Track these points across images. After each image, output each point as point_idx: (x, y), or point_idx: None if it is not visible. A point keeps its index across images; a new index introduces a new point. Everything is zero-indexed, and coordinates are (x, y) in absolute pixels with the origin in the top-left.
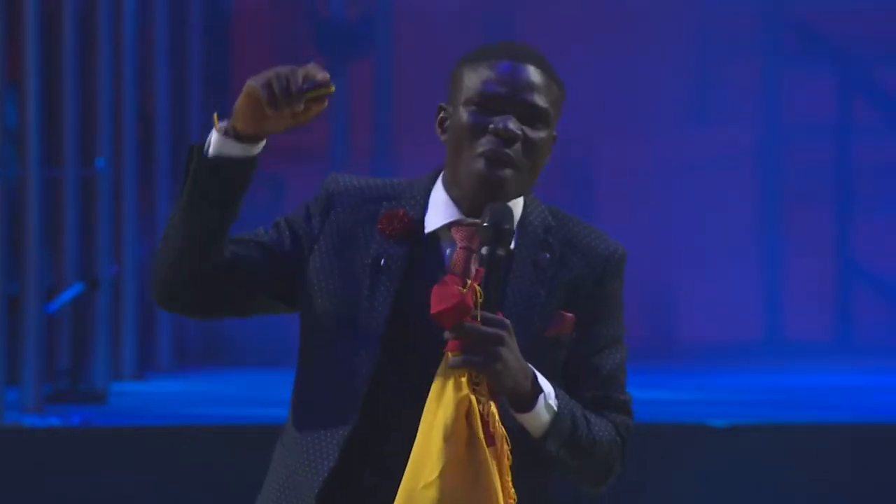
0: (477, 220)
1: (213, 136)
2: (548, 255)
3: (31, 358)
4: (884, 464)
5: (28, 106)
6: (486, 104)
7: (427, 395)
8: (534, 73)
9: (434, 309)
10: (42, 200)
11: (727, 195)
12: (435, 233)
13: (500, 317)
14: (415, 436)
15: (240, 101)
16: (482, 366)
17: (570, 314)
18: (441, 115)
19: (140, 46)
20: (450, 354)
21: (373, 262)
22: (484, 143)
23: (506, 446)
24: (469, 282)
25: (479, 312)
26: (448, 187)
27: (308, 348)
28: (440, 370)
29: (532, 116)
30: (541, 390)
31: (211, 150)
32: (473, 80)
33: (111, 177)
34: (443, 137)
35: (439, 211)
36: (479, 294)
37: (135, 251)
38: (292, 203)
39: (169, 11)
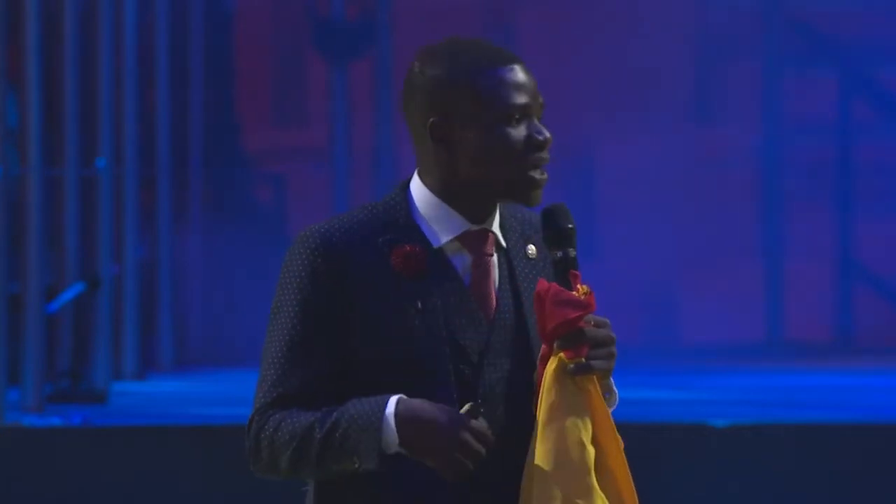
0: (483, 226)
1: (389, 439)
2: (531, 247)
3: (31, 358)
4: (884, 464)
5: (29, 105)
6: (515, 115)
7: (500, 405)
8: (530, 73)
9: (564, 317)
10: (43, 200)
11: (728, 195)
12: (441, 247)
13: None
14: (510, 447)
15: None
16: (607, 369)
17: None
18: (440, 128)
19: (141, 46)
20: (565, 360)
21: (410, 309)
22: (530, 154)
23: (622, 444)
24: (581, 286)
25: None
26: (449, 198)
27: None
28: (553, 377)
29: (541, 114)
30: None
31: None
32: (495, 91)
33: (112, 176)
34: (440, 150)
35: (444, 225)
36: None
37: (136, 251)
38: (293, 203)
39: (169, 11)
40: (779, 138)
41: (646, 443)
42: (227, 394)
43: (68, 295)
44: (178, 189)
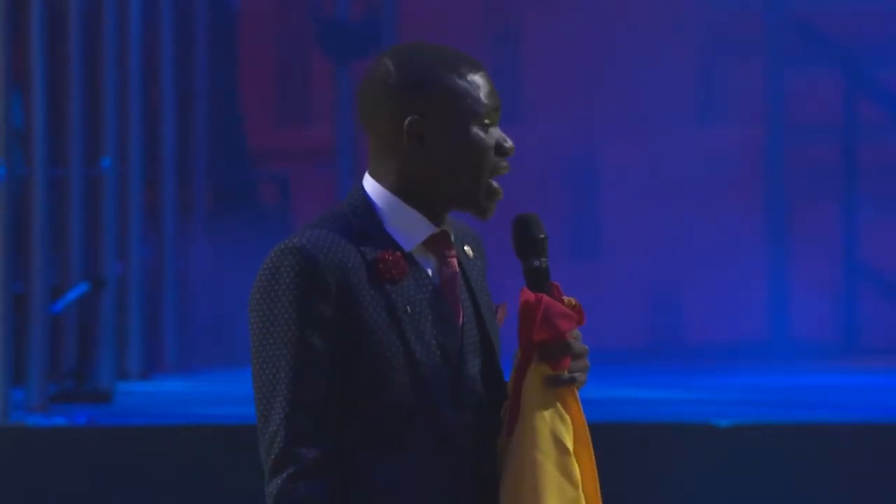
0: (443, 228)
1: None
2: (467, 247)
3: (36, 357)
4: (891, 464)
5: (34, 105)
6: (486, 118)
7: (477, 415)
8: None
9: (557, 329)
10: (47, 200)
11: (732, 194)
12: (412, 251)
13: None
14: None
15: None
16: (584, 381)
17: (503, 303)
18: (417, 127)
19: (146, 46)
20: (548, 371)
21: (400, 314)
22: (499, 161)
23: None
24: (566, 298)
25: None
26: (410, 200)
27: (372, 420)
28: (535, 388)
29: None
30: None
31: None
32: (471, 94)
33: (117, 176)
34: (415, 150)
35: (413, 228)
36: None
37: (140, 251)
38: (297, 204)
39: (174, 11)
40: (783, 138)
41: (649, 442)
42: (232, 393)
43: (73, 295)
44: (183, 189)
